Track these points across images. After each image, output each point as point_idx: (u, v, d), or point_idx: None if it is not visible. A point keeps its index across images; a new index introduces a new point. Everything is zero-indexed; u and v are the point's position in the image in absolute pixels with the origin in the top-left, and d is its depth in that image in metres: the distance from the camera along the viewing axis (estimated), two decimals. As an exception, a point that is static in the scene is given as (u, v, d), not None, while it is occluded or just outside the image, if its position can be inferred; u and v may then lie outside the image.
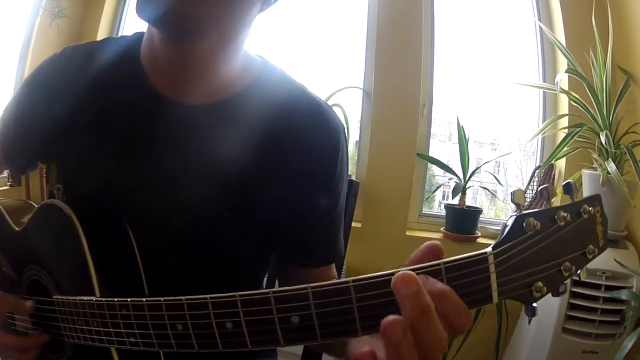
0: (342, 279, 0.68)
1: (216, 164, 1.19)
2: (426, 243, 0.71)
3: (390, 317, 0.63)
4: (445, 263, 0.66)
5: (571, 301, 2.69)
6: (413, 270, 0.66)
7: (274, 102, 1.24)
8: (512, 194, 0.72)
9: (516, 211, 0.69)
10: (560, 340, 2.71)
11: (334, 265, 1.37)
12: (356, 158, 3.91)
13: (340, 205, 1.33)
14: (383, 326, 0.63)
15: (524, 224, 0.66)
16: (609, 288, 2.65)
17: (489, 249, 0.65)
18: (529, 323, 2.92)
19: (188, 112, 1.19)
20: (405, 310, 0.63)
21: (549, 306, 2.74)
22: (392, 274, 0.66)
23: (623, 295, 2.55)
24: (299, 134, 1.22)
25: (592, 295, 2.67)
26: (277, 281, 1.56)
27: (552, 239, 0.67)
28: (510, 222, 0.67)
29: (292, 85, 1.30)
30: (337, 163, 1.27)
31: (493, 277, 0.65)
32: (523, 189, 3.34)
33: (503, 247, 0.65)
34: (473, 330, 2.87)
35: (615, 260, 2.63)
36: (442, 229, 3.59)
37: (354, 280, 0.68)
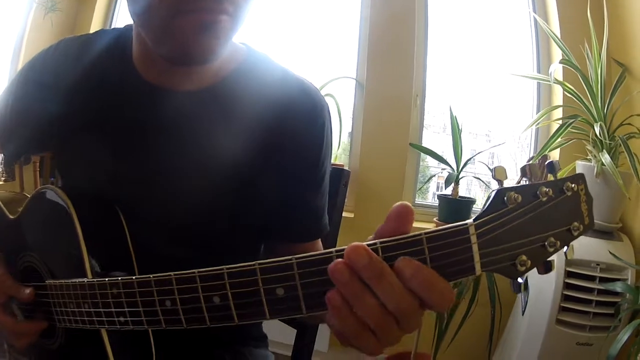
0: (326, 250, 0.70)
1: (207, 149, 1.21)
2: (394, 206, 0.72)
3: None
4: (426, 233, 0.66)
5: (565, 293, 2.69)
6: (393, 241, 0.68)
7: (260, 84, 1.26)
8: (493, 170, 0.72)
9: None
10: (554, 332, 2.72)
11: (320, 240, 1.41)
12: (349, 148, 3.92)
13: (325, 183, 1.36)
14: (330, 271, 0.68)
15: (506, 198, 0.67)
16: (603, 280, 2.66)
17: (470, 220, 0.66)
18: (523, 313, 2.93)
19: (177, 99, 1.20)
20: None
21: (543, 297, 2.75)
22: (374, 243, 0.68)
23: (618, 287, 2.55)
24: (286, 115, 1.24)
25: (586, 287, 2.67)
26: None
27: (535, 213, 0.68)
28: (491, 196, 0.68)
29: (277, 68, 1.32)
30: (324, 142, 1.30)
31: (475, 247, 0.66)
32: (516, 180, 3.33)
33: (484, 219, 0.66)
34: (466, 321, 2.88)
35: (610, 252, 2.63)
36: (435, 219, 3.59)
37: (337, 251, 0.69)
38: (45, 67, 1.31)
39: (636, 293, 2.41)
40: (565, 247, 0.71)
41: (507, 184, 0.70)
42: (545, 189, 0.68)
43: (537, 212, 0.68)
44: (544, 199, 0.68)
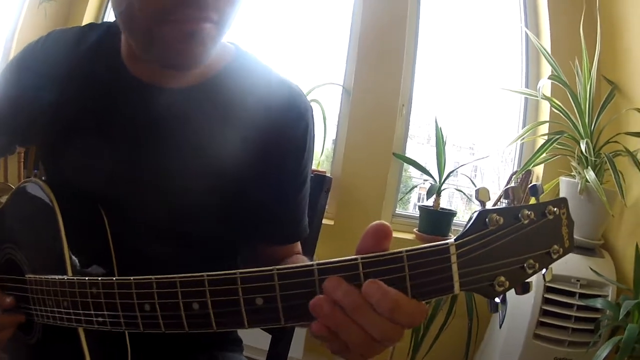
0: (308, 263, 0.70)
1: (193, 146, 1.21)
2: (371, 225, 0.72)
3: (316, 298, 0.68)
4: (407, 251, 0.67)
5: (544, 307, 2.70)
6: (374, 257, 0.68)
7: (247, 85, 1.26)
8: (477, 191, 0.72)
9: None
10: (532, 346, 2.72)
11: (299, 243, 1.42)
12: (332, 155, 3.91)
13: (306, 187, 1.37)
14: (311, 307, 0.68)
15: (487, 219, 0.67)
16: (583, 296, 2.66)
17: (451, 239, 0.67)
18: (500, 327, 2.93)
19: (165, 96, 1.20)
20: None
21: (521, 311, 2.75)
22: (356, 259, 0.68)
23: (598, 303, 2.56)
24: (270, 117, 1.25)
25: (565, 302, 2.68)
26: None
27: (515, 235, 0.68)
28: (473, 217, 0.68)
29: (265, 69, 1.33)
30: (306, 145, 1.31)
31: (454, 267, 0.66)
32: (498, 194, 3.34)
33: (465, 239, 0.67)
34: (443, 332, 2.89)
35: (591, 268, 2.64)
36: (415, 229, 3.56)
37: (318, 264, 0.69)
38: (34, 59, 1.31)
39: (617, 309, 2.41)
40: (544, 269, 0.71)
41: (490, 204, 0.71)
42: (527, 211, 0.69)
43: (518, 235, 0.68)
44: (526, 221, 0.69)
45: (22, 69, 1.32)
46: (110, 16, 4.30)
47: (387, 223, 0.71)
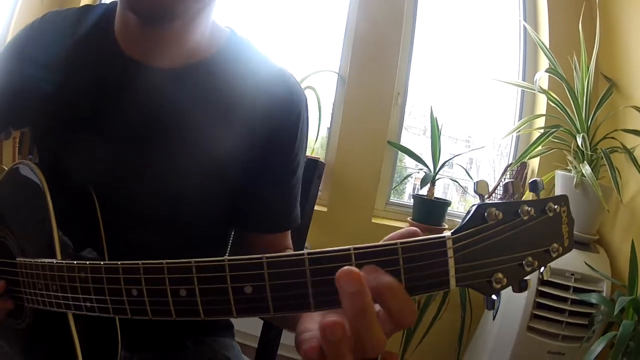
0: (299, 252, 0.68)
1: (184, 128, 1.21)
2: (406, 228, 0.71)
3: (331, 318, 0.63)
4: (402, 243, 0.65)
5: (538, 300, 2.70)
6: (368, 248, 0.66)
7: (240, 70, 1.26)
8: (476, 184, 0.71)
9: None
10: (525, 339, 2.73)
11: (289, 233, 1.41)
12: (327, 144, 3.90)
13: (298, 175, 1.37)
14: (322, 326, 0.63)
15: (486, 214, 0.66)
16: (577, 290, 2.67)
17: (448, 233, 0.65)
18: (494, 319, 2.93)
19: (157, 76, 1.20)
20: (345, 305, 0.64)
21: (515, 303, 2.76)
22: (348, 249, 0.66)
23: (592, 298, 2.57)
24: (263, 104, 1.25)
25: (559, 296, 2.69)
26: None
27: (514, 231, 0.67)
28: (471, 210, 0.67)
29: (259, 55, 1.33)
30: (298, 132, 1.32)
31: (451, 262, 0.65)
32: (493, 186, 3.34)
33: (462, 233, 0.65)
34: (435, 323, 2.88)
35: (586, 263, 2.64)
36: (408, 218, 3.57)
37: (309, 254, 0.67)
38: (29, 40, 1.30)
39: (611, 305, 2.41)
40: (542, 268, 0.70)
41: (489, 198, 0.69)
42: (527, 207, 0.67)
43: (517, 231, 0.67)
44: (525, 217, 0.67)
45: (18, 52, 1.31)
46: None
47: (418, 230, 0.70)
